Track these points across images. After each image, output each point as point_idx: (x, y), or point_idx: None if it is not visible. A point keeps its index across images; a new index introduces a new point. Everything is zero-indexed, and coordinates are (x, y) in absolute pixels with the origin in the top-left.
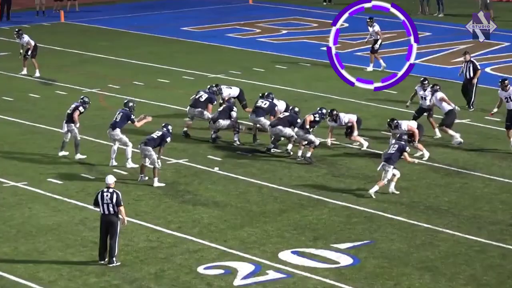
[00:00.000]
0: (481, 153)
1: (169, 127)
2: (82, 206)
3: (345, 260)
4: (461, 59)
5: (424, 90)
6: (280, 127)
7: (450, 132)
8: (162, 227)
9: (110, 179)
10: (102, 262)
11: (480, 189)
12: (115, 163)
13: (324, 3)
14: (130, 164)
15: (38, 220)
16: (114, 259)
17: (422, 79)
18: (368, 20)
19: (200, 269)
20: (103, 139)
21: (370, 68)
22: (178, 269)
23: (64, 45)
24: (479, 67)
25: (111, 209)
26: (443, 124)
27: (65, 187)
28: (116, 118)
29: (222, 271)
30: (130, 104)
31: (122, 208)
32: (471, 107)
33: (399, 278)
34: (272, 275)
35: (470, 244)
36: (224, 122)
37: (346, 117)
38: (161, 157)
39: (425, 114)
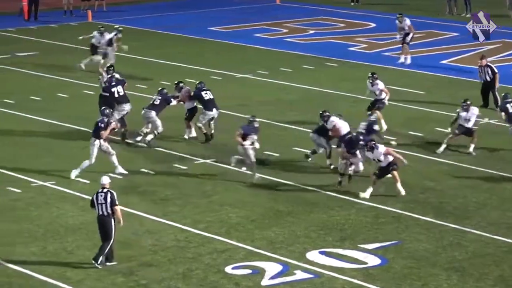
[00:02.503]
0: (509, 154)
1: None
2: None
3: (373, 260)
4: (479, 62)
5: (467, 112)
6: (315, 134)
7: None
8: (190, 226)
9: (105, 180)
10: (96, 263)
11: (509, 190)
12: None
13: (352, 3)
14: (120, 169)
15: (66, 219)
16: (112, 259)
17: (462, 100)
18: (399, 16)
19: (228, 269)
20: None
21: (409, 61)
22: (206, 269)
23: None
24: (496, 71)
25: (104, 210)
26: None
27: (93, 186)
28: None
29: (249, 271)
30: (107, 111)
31: (117, 208)
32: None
33: (427, 278)
34: (299, 275)
35: (498, 244)
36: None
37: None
38: (189, 157)
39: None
